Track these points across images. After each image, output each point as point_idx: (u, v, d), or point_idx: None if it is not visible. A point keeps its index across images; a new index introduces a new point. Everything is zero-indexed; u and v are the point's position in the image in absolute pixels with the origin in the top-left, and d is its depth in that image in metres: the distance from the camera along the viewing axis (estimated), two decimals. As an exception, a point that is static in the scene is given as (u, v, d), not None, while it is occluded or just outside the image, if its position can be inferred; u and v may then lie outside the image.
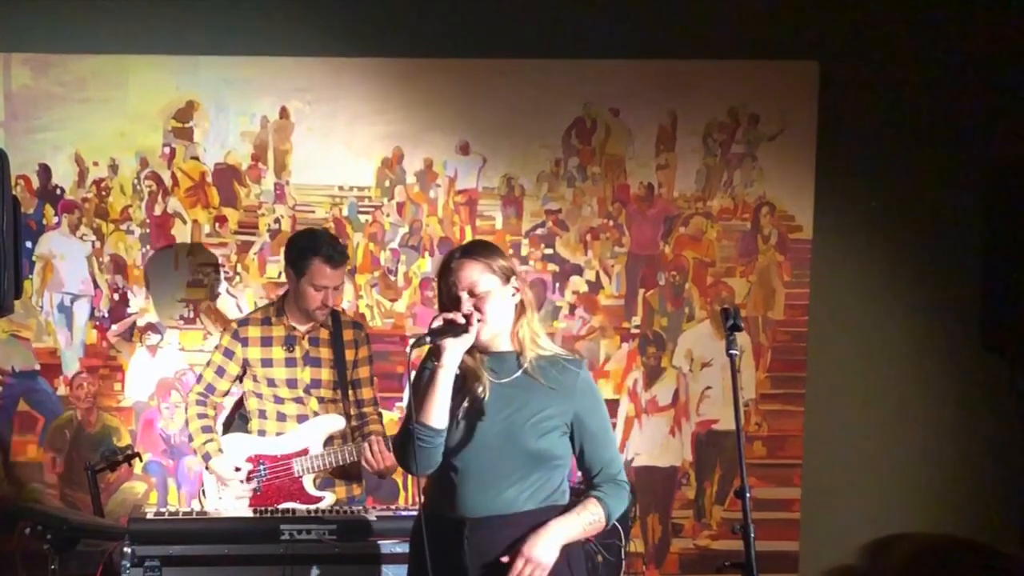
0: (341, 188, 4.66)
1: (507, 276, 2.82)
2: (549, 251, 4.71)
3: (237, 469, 3.87)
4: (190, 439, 4.03)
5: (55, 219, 4.60)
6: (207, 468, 3.92)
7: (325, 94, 4.60)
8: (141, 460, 4.51)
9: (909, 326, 4.76)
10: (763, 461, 4.73)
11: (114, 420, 4.64)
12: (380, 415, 4.10)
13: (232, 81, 4.59)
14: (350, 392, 3.97)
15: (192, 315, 4.63)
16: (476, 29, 4.60)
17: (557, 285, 4.72)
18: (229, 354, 3.95)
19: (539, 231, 4.72)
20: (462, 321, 2.73)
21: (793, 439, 4.77)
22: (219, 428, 4.07)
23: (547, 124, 4.67)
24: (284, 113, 4.61)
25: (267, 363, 3.91)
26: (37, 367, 4.62)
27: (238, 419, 4.08)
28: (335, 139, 4.63)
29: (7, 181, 3.74)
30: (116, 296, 4.63)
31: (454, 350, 2.74)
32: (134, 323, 4.64)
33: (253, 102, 4.60)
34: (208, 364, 4.02)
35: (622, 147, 4.69)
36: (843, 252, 4.75)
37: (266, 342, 3.92)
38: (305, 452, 3.88)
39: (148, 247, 4.62)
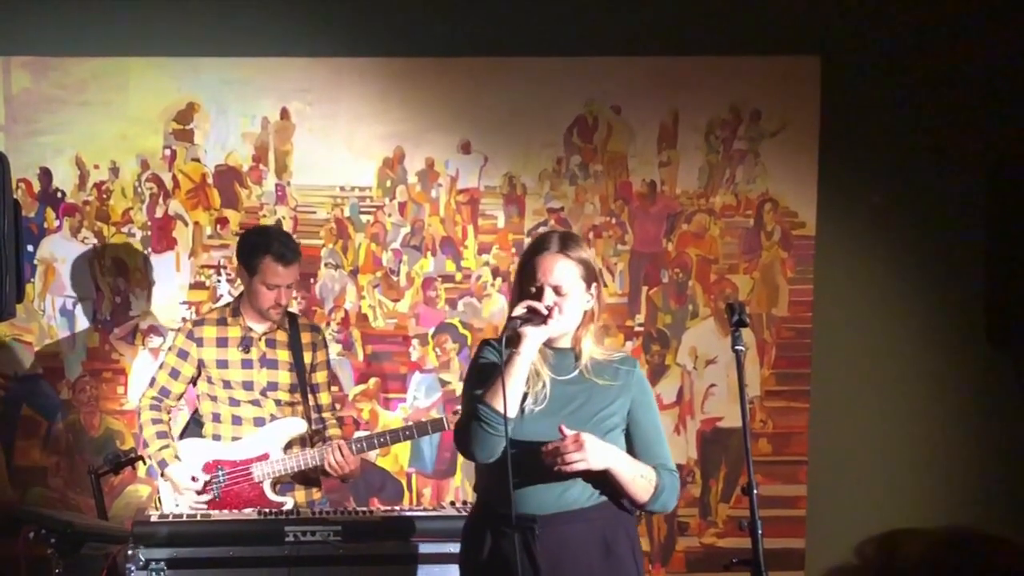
0: (342, 188, 4.64)
1: (590, 282, 2.84)
2: (552, 250, 4.69)
3: (194, 479, 3.82)
4: (144, 445, 3.98)
5: (56, 222, 4.59)
6: (162, 475, 3.89)
7: (326, 95, 4.58)
8: (144, 463, 4.48)
9: (913, 322, 4.75)
10: (768, 458, 4.71)
11: (117, 423, 4.62)
12: (338, 420, 4.08)
13: (232, 82, 4.57)
14: (310, 396, 3.94)
15: (194, 317, 4.61)
16: (476, 28, 4.59)
17: (560, 284, 4.70)
18: (183, 355, 3.91)
19: (541, 229, 4.70)
20: (544, 312, 2.74)
21: (798, 436, 4.75)
22: (175, 434, 4.03)
23: (549, 122, 4.65)
24: (285, 114, 4.60)
25: (222, 364, 3.88)
26: (39, 371, 4.61)
27: (192, 424, 4.03)
28: (336, 139, 4.61)
29: (8, 185, 3.74)
30: (118, 299, 4.62)
31: (534, 339, 2.75)
32: (136, 326, 4.63)
33: (254, 103, 4.59)
34: (161, 367, 3.98)
35: (624, 145, 4.68)
36: (847, 248, 4.73)
37: (221, 343, 3.89)
38: (265, 457, 3.84)
39: (149, 249, 4.61)
